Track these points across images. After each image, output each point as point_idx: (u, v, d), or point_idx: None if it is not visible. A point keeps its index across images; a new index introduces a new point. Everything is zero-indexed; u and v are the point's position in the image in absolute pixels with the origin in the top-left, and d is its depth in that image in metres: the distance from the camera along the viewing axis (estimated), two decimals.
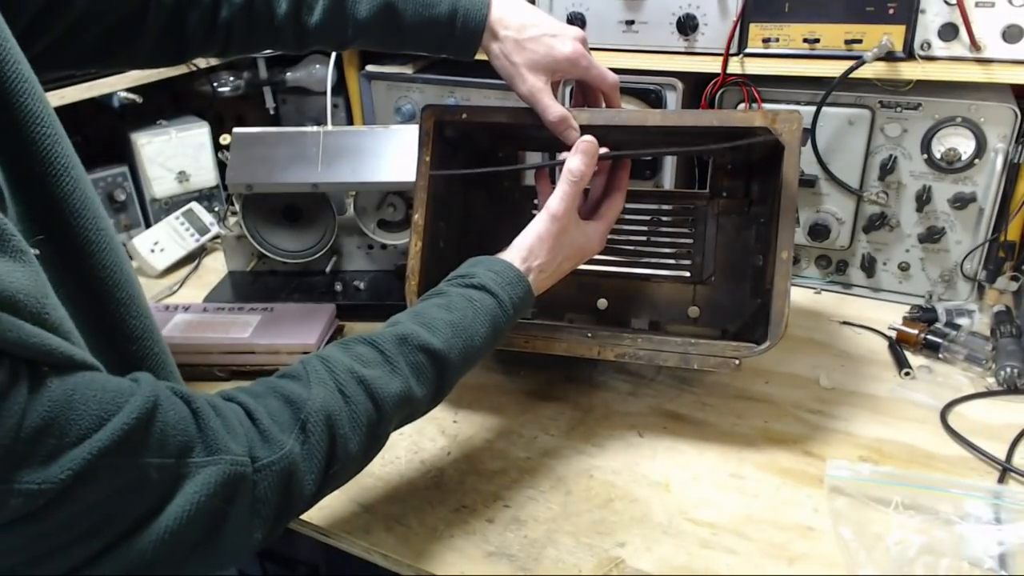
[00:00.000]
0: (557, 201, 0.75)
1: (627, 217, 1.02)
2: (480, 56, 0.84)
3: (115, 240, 0.56)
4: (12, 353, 0.40)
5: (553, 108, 0.80)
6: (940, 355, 0.94)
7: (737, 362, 0.79)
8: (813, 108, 1.00)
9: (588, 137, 0.78)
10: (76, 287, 0.53)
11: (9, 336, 0.39)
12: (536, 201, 1.05)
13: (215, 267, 1.27)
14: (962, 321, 0.99)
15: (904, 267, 1.08)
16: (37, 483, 0.40)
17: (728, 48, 1.03)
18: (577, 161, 0.76)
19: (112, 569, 0.45)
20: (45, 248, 0.50)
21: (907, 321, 0.99)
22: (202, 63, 1.33)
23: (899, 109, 1.00)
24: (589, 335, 0.85)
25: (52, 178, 0.51)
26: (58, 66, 0.76)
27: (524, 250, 0.74)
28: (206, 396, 0.52)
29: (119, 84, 1.22)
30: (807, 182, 1.07)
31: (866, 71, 0.96)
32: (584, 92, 0.87)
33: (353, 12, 0.78)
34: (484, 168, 0.93)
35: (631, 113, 0.87)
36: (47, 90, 0.56)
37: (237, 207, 1.12)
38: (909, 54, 0.96)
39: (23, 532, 0.41)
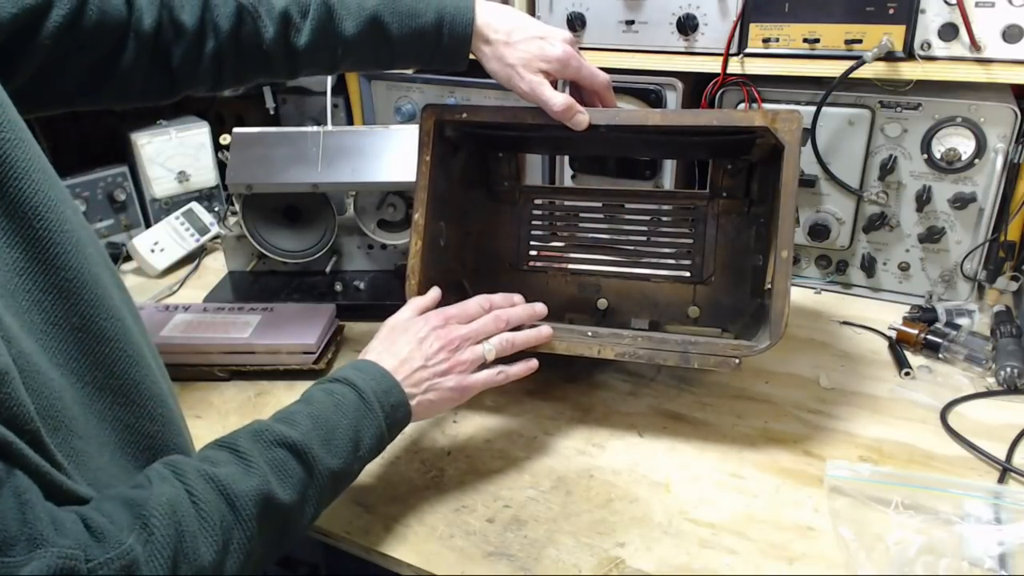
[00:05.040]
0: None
1: (627, 217, 1.02)
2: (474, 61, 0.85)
3: (84, 241, 0.56)
4: None
5: (556, 97, 0.81)
6: (940, 355, 0.94)
7: (737, 361, 0.79)
8: (813, 108, 1.00)
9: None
10: (40, 290, 0.52)
11: None
12: (538, 202, 1.05)
13: (215, 267, 1.27)
14: (962, 321, 0.99)
15: (904, 267, 1.08)
16: None
17: (728, 48, 1.03)
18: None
19: None
20: (6, 252, 0.50)
21: (907, 321, 0.99)
22: None
23: (899, 109, 1.00)
24: (590, 334, 0.85)
25: (13, 181, 0.51)
26: (49, 103, 0.74)
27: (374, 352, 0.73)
28: (46, 505, 0.46)
29: None
30: (807, 182, 1.07)
31: (866, 71, 0.96)
32: (579, 95, 0.88)
33: (340, 30, 0.79)
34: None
35: (631, 112, 0.87)
36: None
37: (237, 207, 1.12)
38: (909, 54, 0.96)
39: None
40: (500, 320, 0.79)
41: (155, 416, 0.60)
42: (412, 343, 0.73)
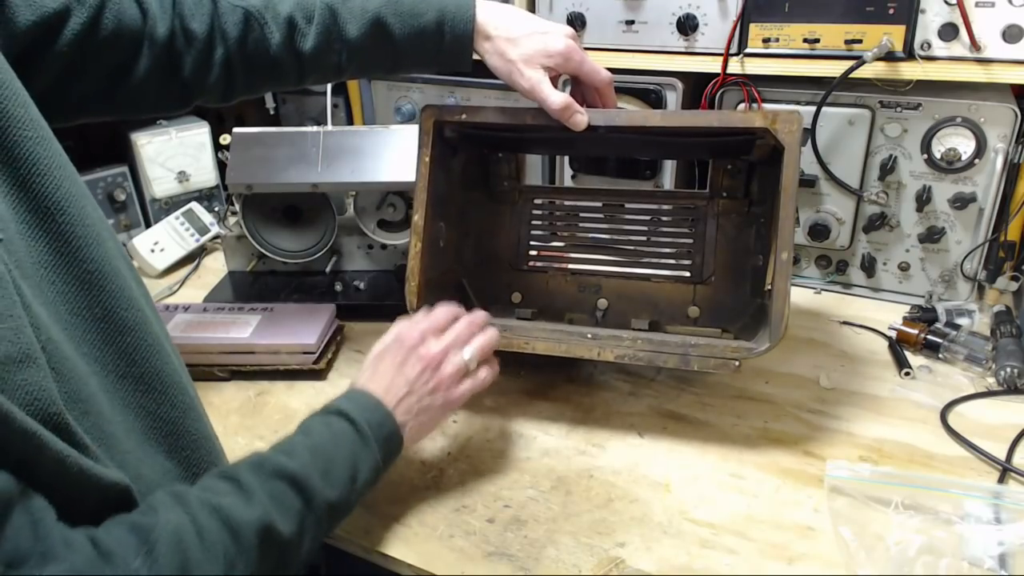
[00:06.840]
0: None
1: (627, 217, 1.02)
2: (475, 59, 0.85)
3: (104, 235, 0.58)
4: None
5: (554, 96, 0.81)
6: (940, 355, 0.94)
7: (737, 363, 0.79)
8: (813, 108, 1.00)
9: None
10: (64, 282, 0.55)
11: None
12: (538, 202, 1.05)
13: (215, 267, 1.27)
14: (962, 321, 0.99)
15: (904, 267, 1.08)
16: None
17: (728, 48, 1.03)
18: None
19: None
20: (32, 246, 0.52)
21: (907, 321, 0.99)
22: None
23: (899, 109, 1.00)
24: (589, 336, 0.84)
25: (36, 178, 0.53)
26: (64, 114, 0.74)
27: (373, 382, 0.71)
28: (59, 525, 0.47)
29: None
30: (807, 182, 1.07)
31: (866, 71, 0.96)
32: (580, 91, 0.88)
33: (344, 33, 0.79)
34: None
35: (631, 113, 0.87)
36: None
37: (237, 207, 1.12)
38: (909, 54, 0.96)
39: None
40: (473, 324, 0.77)
41: (176, 403, 0.61)
42: (393, 370, 0.71)
